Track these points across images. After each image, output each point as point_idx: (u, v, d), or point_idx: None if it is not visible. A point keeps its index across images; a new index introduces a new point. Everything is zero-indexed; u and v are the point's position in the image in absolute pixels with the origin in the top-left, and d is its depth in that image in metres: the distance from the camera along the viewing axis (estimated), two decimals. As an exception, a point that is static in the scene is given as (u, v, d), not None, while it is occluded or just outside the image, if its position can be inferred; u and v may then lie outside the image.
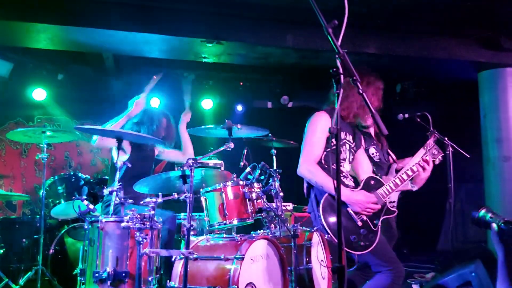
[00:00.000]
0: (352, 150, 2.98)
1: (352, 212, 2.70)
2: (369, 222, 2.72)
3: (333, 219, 2.67)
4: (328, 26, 1.83)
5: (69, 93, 6.53)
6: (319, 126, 2.82)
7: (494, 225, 2.24)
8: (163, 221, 3.59)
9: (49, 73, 6.24)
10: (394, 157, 3.87)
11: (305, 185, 2.89)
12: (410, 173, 2.95)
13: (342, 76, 1.78)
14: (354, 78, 1.83)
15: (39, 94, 6.23)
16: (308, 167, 2.76)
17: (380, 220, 2.76)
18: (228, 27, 5.01)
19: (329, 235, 2.66)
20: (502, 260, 2.19)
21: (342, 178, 2.85)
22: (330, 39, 1.83)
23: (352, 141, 2.98)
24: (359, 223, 2.68)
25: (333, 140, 2.73)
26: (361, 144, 3.10)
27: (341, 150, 2.88)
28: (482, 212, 2.28)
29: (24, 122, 6.78)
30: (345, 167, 2.92)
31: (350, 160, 2.98)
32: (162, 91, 6.82)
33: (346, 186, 2.84)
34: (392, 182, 2.87)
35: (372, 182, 2.86)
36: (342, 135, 2.90)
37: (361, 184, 2.84)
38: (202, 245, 3.47)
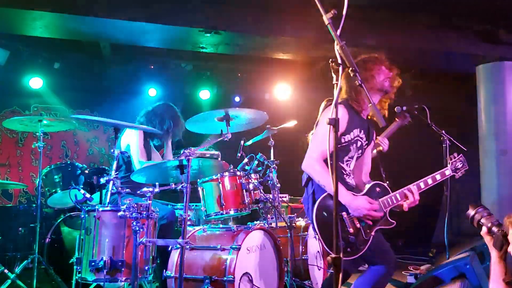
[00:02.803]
0: (363, 147, 2.90)
1: (346, 217, 2.60)
2: (362, 231, 2.62)
3: (325, 220, 2.57)
4: (327, 16, 1.81)
5: (66, 81, 6.49)
6: None
7: (484, 229, 2.25)
8: (163, 215, 3.61)
9: (46, 61, 6.20)
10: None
11: (305, 176, 2.76)
12: (422, 185, 2.77)
13: (341, 67, 1.77)
14: (353, 69, 1.82)
15: (35, 82, 6.20)
16: (313, 164, 2.62)
17: (374, 230, 2.65)
18: (226, 17, 4.97)
19: (317, 236, 2.60)
20: (494, 260, 2.20)
21: (345, 176, 2.76)
22: (329, 29, 1.82)
23: (365, 139, 2.86)
24: (351, 230, 2.59)
25: (344, 137, 2.69)
26: (372, 139, 2.96)
27: (350, 148, 2.79)
28: (477, 212, 2.28)
29: (20, 111, 6.74)
30: (351, 166, 2.83)
31: (357, 157, 2.90)
32: (160, 82, 6.80)
33: (348, 186, 2.73)
34: (399, 193, 2.73)
35: (378, 189, 2.74)
36: (356, 132, 2.77)
37: (365, 190, 2.72)
38: (199, 235, 3.48)
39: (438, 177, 2.83)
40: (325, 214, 2.59)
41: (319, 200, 2.60)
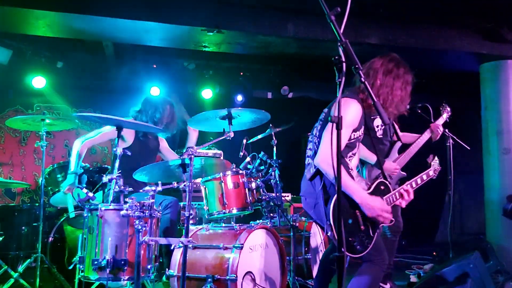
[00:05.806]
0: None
1: (359, 215, 2.62)
2: (370, 228, 2.65)
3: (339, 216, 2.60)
4: (330, 13, 1.81)
5: (69, 81, 6.50)
6: (349, 115, 2.62)
7: None
8: (167, 205, 3.60)
9: (48, 60, 6.21)
10: (399, 132, 3.82)
11: (312, 169, 2.73)
12: (414, 185, 2.88)
13: (344, 64, 1.76)
14: (356, 66, 1.81)
15: (38, 82, 6.21)
16: (328, 160, 2.45)
17: (378, 228, 2.69)
18: (229, 16, 4.97)
19: (333, 234, 2.60)
20: None
21: (350, 171, 2.75)
22: (332, 26, 1.81)
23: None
24: (362, 227, 2.62)
25: (355, 133, 2.68)
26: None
27: (356, 144, 2.79)
28: None
29: (23, 110, 6.75)
30: (353, 162, 2.83)
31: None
32: (162, 80, 6.80)
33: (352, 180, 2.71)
34: (397, 191, 2.79)
35: (382, 187, 2.77)
36: (362, 129, 2.79)
37: (372, 188, 2.72)
38: (201, 234, 3.48)
39: (424, 177, 2.98)
40: (341, 213, 2.58)
41: (334, 200, 2.56)
